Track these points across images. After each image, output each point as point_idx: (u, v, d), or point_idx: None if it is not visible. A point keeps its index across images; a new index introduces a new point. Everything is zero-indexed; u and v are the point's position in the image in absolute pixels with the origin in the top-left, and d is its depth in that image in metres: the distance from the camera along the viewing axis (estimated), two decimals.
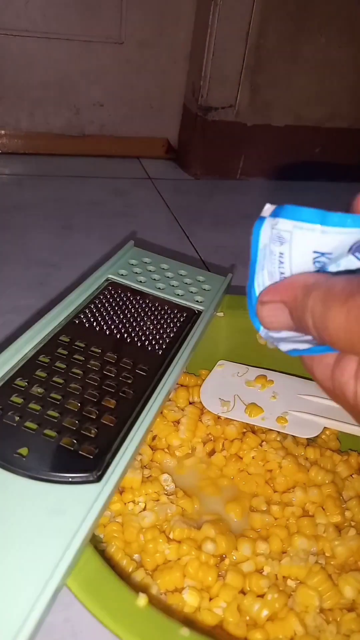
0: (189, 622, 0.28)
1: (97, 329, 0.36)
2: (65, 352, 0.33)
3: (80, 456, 0.27)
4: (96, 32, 0.93)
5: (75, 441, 0.27)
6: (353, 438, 0.38)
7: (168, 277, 0.44)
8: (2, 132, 0.98)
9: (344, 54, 0.94)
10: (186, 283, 0.43)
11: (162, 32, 0.96)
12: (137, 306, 0.39)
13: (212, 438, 0.39)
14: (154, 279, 0.43)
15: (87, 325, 0.36)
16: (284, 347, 0.22)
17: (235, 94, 0.94)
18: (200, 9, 0.92)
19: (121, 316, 0.38)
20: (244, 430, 0.39)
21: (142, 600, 0.23)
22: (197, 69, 0.94)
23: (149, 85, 1.00)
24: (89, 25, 0.92)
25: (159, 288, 0.42)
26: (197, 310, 0.40)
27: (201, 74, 0.92)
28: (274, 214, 0.20)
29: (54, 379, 0.31)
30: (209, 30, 0.88)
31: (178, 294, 0.42)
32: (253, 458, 0.37)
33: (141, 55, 0.97)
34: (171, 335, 0.37)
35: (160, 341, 0.36)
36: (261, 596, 0.29)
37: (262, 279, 0.21)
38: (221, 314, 0.43)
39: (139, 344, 0.36)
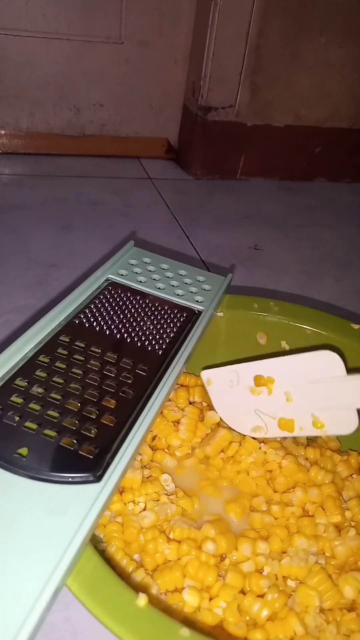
0: (188, 622, 0.28)
1: (97, 329, 0.36)
2: (65, 352, 0.33)
3: (81, 456, 0.27)
4: (96, 32, 0.93)
5: (75, 441, 0.27)
6: (353, 438, 0.38)
7: (168, 277, 0.44)
8: (2, 132, 0.98)
9: (344, 54, 0.94)
10: (186, 283, 0.43)
11: (162, 32, 0.96)
12: (137, 306, 0.39)
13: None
14: (154, 279, 0.43)
15: (87, 325, 0.36)
16: None
17: (235, 94, 0.94)
18: (200, 9, 0.92)
19: (121, 316, 0.38)
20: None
21: (142, 600, 0.23)
22: (197, 69, 0.94)
23: (149, 85, 1.00)
24: (89, 25, 0.92)
25: (159, 288, 0.42)
26: (197, 310, 0.40)
27: (201, 74, 0.92)
28: None
29: (54, 379, 0.31)
30: (209, 30, 0.88)
31: (178, 294, 0.42)
32: (252, 463, 0.37)
33: (141, 55, 0.97)
34: (171, 335, 0.37)
35: (160, 341, 0.36)
36: (261, 596, 0.29)
37: None
38: (221, 314, 0.43)
39: (139, 344, 0.36)
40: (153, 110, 1.03)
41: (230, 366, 0.38)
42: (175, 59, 0.99)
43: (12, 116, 0.97)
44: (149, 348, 0.35)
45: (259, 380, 0.38)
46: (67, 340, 0.34)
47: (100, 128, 1.02)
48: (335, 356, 0.34)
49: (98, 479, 0.26)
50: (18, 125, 0.98)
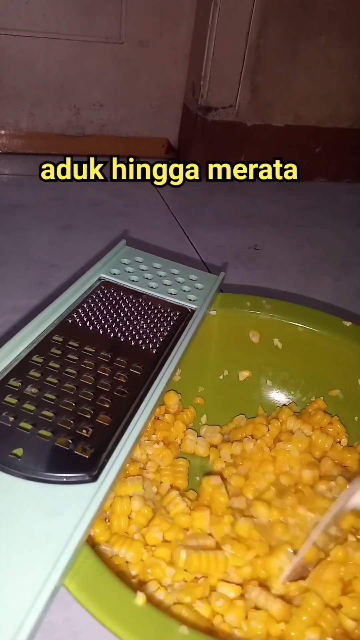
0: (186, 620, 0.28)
1: (91, 328, 0.36)
2: (59, 352, 0.33)
3: (76, 456, 0.27)
4: (96, 32, 0.93)
5: (70, 441, 0.27)
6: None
7: (160, 276, 0.44)
8: (2, 132, 0.98)
9: (344, 54, 0.94)
10: (179, 282, 0.43)
11: (162, 32, 0.96)
12: (130, 305, 0.39)
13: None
14: (147, 278, 0.43)
15: (80, 324, 0.36)
16: None
17: (235, 94, 0.94)
18: (200, 9, 0.92)
19: (114, 315, 0.38)
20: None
21: (140, 599, 0.23)
22: (197, 69, 0.94)
23: (149, 85, 1.00)
24: (89, 25, 0.92)
25: (152, 287, 0.42)
26: (190, 309, 0.40)
27: (201, 74, 0.92)
28: None
29: (48, 379, 0.31)
30: (209, 30, 0.88)
31: (171, 293, 0.41)
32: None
33: (141, 55, 0.97)
34: (165, 334, 0.37)
35: (154, 340, 0.36)
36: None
37: None
38: (213, 312, 0.43)
39: (132, 343, 0.36)
40: (153, 110, 1.03)
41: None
42: (175, 59, 0.99)
43: (12, 116, 0.97)
44: (143, 347, 0.35)
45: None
46: (61, 340, 0.34)
47: (100, 128, 1.02)
48: None
49: (94, 478, 0.26)
50: (18, 125, 0.98)
